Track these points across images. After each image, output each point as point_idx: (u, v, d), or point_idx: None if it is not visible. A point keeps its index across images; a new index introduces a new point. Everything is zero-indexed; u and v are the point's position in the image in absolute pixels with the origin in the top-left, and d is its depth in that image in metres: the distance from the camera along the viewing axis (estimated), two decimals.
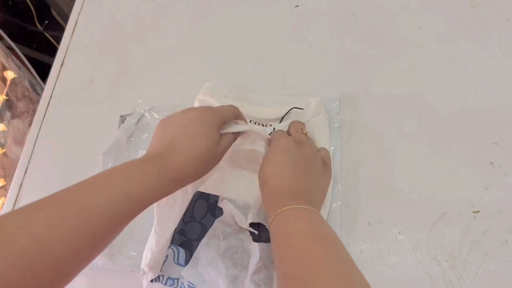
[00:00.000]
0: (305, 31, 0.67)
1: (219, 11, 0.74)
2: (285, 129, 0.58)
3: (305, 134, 0.53)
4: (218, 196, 0.55)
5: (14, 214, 0.35)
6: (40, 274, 0.32)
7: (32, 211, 0.35)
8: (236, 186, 0.56)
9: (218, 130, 0.46)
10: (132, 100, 0.69)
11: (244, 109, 0.61)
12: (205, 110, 0.47)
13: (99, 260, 0.56)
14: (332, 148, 0.56)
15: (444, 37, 0.61)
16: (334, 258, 0.38)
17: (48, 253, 0.33)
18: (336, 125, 0.58)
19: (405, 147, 0.55)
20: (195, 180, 0.46)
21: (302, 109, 0.59)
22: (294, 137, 0.51)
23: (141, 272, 0.53)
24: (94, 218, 0.36)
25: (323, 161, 0.51)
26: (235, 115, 0.50)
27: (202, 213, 0.55)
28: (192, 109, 0.47)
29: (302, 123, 0.55)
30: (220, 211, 0.54)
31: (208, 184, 0.57)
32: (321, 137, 0.56)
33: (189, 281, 0.51)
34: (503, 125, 0.53)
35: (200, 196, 0.56)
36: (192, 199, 0.56)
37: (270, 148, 0.51)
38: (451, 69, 0.58)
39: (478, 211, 0.50)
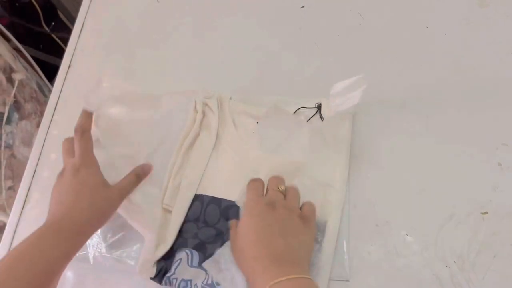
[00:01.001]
0: (311, 32, 0.68)
1: (225, 11, 0.74)
2: None
3: (282, 192, 0.51)
4: (229, 201, 0.56)
5: None
6: None
7: None
8: (241, 188, 0.56)
9: (102, 179, 0.52)
10: None
11: (250, 110, 0.61)
12: (84, 165, 0.51)
13: (107, 261, 0.57)
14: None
15: (451, 37, 0.61)
16: None
17: None
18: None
19: (413, 148, 0.55)
20: (96, 229, 0.52)
21: (311, 108, 0.59)
22: (267, 198, 0.50)
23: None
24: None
25: (302, 217, 0.49)
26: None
27: (216, 219, 0.55)
28: (80, 170, 0.51)
29: (280, 179, 0.53)
30: (231, 215, 0.54)
31: (217, 188, 0.57)
32: (341, 148, 0.56)
33: (202, 282, 0.51)
34: None
35: (211, 201, 0.56)
36: (202, 204, 0.56)
37: (242, 215, 0.51)
38: (458, 70, 0.58)
39: (487, 213, 0.50)
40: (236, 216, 0.54)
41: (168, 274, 0.53)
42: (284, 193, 0.51)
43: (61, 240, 0.47)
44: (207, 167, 0.60)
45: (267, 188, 0.52)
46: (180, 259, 0.53)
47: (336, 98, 0.56)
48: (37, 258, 0.45)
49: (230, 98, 0.63)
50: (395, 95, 0.58)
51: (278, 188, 0.51)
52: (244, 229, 0.49)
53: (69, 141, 0.55)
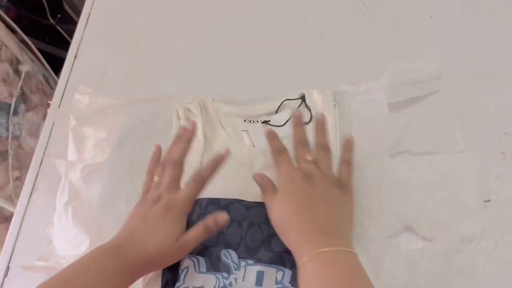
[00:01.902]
0: (316, 22, 0.68)
1: (231, 2, 0.74)
2: (283, 120, 0.59)
3: (312, 161, 0.50)
4: (227, 199, 0.56)
5: None
6: None
7: None
8: (239, 185, 0.57)
9: (181, 225, 0.50)
10: (144, 93, 0.70)
11: (235, 110, 0.62)
12: (167, 206, 0.50)
13: None
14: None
15: (455, 26, 0.61)
16: None
17: None
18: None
19: (412, 132, 0.55)
20: (155, 270, 0.52)
21: (296, 99, 0.60)
22: (302, 171, 0.49)
23: None
24: None
25: (340, 186, 0.49)
26: (197, 192, 0.52)
27: None
28: (157, 203, 0.50)
29: (305, 146, 0.52)
30: (233, 213, 0.55)
31: (213, 189, 0.57)
32: (330, 136, 0.56)
33: (214, 287, 0.51)
34: None
35: (209, 203, 0.56)
36: (201, 208, 0.56)
37: (279, 187, 0.49)
38: (463, 59, 0.58)
39: (489, 200, 0.50)
40: (235, 212, 0.54)
41: (177, 284, 0.52)
42: (315, 162, 0.50)
43: (122, 271, 0.46)
44: None
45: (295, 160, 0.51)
46: (187, 267, 0.53)
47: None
48: (99, 281, 0.45)
49: (213, 101, 0.64)
50: (400, 83, 0.58)
51: (307, 157, 0.50)
52: (284, 202, 0.48)
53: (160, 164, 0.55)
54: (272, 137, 0.53)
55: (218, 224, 0.50)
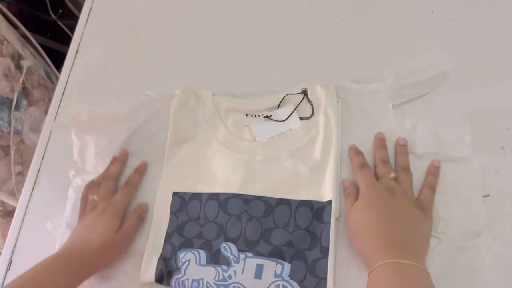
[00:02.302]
0: (317, 17, 0.68)
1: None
2: (285, 115, 0.59)
3: (394, 178, 0.51)
4: (227, 194, 0.56)
5: None
6: None
7: None
8: (239, 180, 0.57)
9: (119, 220, 0.57)
10: (146, 88, 0.70)
11: (235, 105, 0.62)
12: (104, 207, 0.57)
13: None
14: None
15: (457, 22, 0.61)
16: None
17: None
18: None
19: (415, 131, 0.55)
20: (105, 265, 0.57)
21: (298, 93, 0.60)
22: (384, 184, 0.50)
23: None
24: None
25: (420, 206, 0.49)
26: (132, 193, 0.61)
27: (215, 213, 0.56)
28: (96, 207, 0.57)
29: (387, 164, 0.53)
30: (232, 207, 0.55)
31: (214, 185, 0.58)
32: (333, 132, 0.56)
33: (214, 279, 0.52)
34: None
35: (210, 197, 0.57)
36: (201, 202, 0.57)
37: (361, 195, 0.50)
38: (463, 54, 0.58)
39: (488, 195, 0.50)
40: (235, 206, 0.55)
41: (177, 276, 0.53)
42: (396, 179, 0.51)
43: (70, 270, 0.52)
44: (199, 166, 0.61)
45: (377, 175, 0.52)
46: (189, 260, 0.54)
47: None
48: (49, 284, 0.50)
49: (213, 94, 0.64)
50: (403, 85, 0.58)
51: (390, 174, 0.51)
52: (365, 209, 0.49)
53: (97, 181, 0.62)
54: (356, 153, 0.55)
55: (144, 209, 0.60)
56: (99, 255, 0.54)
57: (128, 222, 0.58)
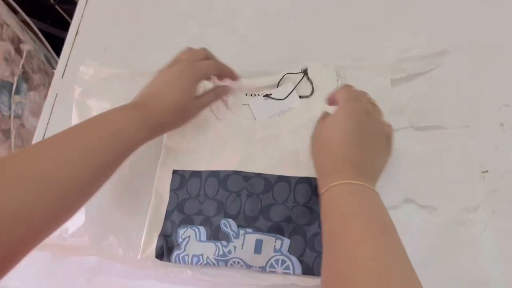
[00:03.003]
0: None
1: None
2: (285, 93, 0.60)
3: (375, 104, 0.50)
4: (226, 171, 0.56)
5: (19, 151, 0.42)
6: (45, 201, 0.38)
7: (34, 148, 0.42)
8: (239, 157, 0.57)
9: (196, 85, 0.54)
10: (147, 67, 0.70)
11: (234, 84, 0.61)
12: (187, 66, 0.54)
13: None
14: None
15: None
16: (384, 242, 0.38)
17: (50, 181, 0.39)
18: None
19: (416, 106, 0.55)
20: (175, 127, 0.55)
21: (298, 73, 0.60)
22: (365, 105, 0.48)
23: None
24: (89, 152, 0.44)
25: (388, 138, 0.48)
26: (217, 70, 0.57)
27: (215, 190, 0.56)
28: (177, 64, 0.54)
29: (368, 94, 0.51)
30: (232, 184, 0.55)
31: (213, 162, 0.58)
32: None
33: (214, 254, 0.52)
34: None
35: (210, 175, 0.57)
36: (201, 180, 0.57)
37: (339, 107, 0.48)
38: (464, 32, 0.58)
39: (487, 171, 0.50)
40: (234, 183, 0.55)
41: (178, 252, 0.54)
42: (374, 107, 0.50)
43: (145, 124, 0.50)
44: (199, 144, 0.60)
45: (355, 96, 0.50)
46: (189, 236, 0.54)
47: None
48: (123, 133, 0.47)
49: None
50: (400, 58, 0.58)
51: (370, 100, 0.50)
52: (337, 123, 0.47)
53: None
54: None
55: (226, 91, 0.60)
56: (173, 112, 0.52)
57: (206, 95, 0.57)
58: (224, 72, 0.59)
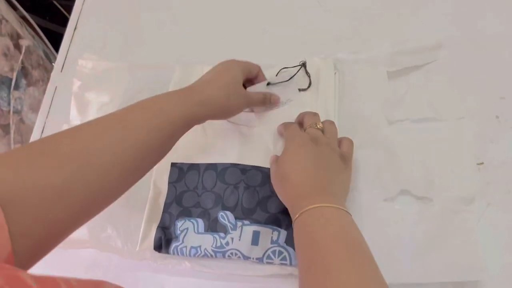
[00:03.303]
0: None
1: None
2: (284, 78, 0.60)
3: (320, 129, 0.52)
4: (224, 164, 0.57)
5: (68, 129, 0.40)
6: (87, 179, 0.37)
7: (82, 127, 0.41)
8: (236, 150, 0.58)
9: (243, 76, 0.54)
10: (145, 62, 0.70)
11: None
12: (233, 60, 0.55)
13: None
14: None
15: None
16: (360, 262, 0.39)
17: (94, 160, 0.38)
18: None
19: (411, 99, 0.55)
20: (222, 109, 0.51)
21: (296, 66, 0.61)
22: (309, 134, 0.50)
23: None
24: (130, 131, 0.42)
25: (342, 157, 0.50)
26: (257, 69, 0.58)
27: (213, 183, 0.56)
28: (227, 61, 0.55)
29: (316, 116, 0.54)
30: (229, 176, 0.56)
31: (211, 155, 0.59)
32: (330, 103, 0.57)
33: (211, 246, 0.53)
34: (511, 80, 0.54)
35: (208, 168, 0.58)
36: (199, 172, 0.58)
37: (285, 145, 0.52)
38: (461, 24, 0.58)
39: (482, 163, 0.51)
40: (232, 176, 0.56)
41: (176, 244, 0.54)
42: (322, 130, 0.52)
43: (188, 100, 0.48)
44: (197, 137, 0.61)
45: (304, 126, 0.53)
46: (187, 228, 0.55)
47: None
48: (164, 110, 0.46)
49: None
50: (398, 51, 0.59)
51: (317, 125, 0.52)
52: (288, 157, 0.49)
53: None
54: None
55: (273, 101, 0.58)
56: (218, 91, 0.50)
57: (255, 94, 0.56)
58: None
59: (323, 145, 0.49)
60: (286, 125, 0.55)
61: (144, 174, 0.46)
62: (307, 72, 0.60)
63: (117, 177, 0.41)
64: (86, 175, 0.37)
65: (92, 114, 0.65)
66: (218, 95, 0.50)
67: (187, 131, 0.49)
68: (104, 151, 0.39)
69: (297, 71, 0.60)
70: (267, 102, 0.58)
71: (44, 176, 0.34)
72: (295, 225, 0.44)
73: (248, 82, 0.58)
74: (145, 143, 0.43)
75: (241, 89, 0.53)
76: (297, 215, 0.44)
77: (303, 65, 0.61)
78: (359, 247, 0.40)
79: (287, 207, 0.49)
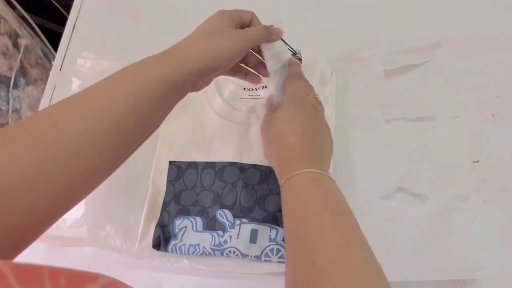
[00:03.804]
0: None
1: None
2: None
3: (320, 101, 0.51)
4: (223, 162, 0.57)
5: (39, 111, 0.37)
6: (56, 158, 0.33)
7: (52, 106, 0.36)
8: (234, 149, 0.58)
9: (230, 22, 0.46)
10: None
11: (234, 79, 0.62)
12: (219, 10, 0.47)
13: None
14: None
15: None
16: (349, 228, 0.39)
17: (63, 136, 0.34)
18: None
19: (408, 98, 0.56)
20: (208, 59, 0.42)
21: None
22: (312, 100, 0.49)
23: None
24: (105, 103, 0.37)
25: (328, 129, 0.50)
26: (250, 14, 0.50)
27: (211, 182, 0.57)
28: (215, 14, 0.47)
29: (313, 89, 0.52)
30: (228, 175, 0.56)
31: (209, 153, 0.59)
32: (328, 103, 0.57)
33: (210, 244, 0.53)
34: (507, 79, 0.54)
35: (206, 166, 0.58)
36: (197, 171, 0.58)
37: (287, 101, 0.49)
38: (457, 23, 0.59)
39: (478, 161, 0.51)
40: (230, 174, 0.56)
41: (174, 242, 0.55)
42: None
43: (164, 59, 0.41)
44: (195, 135, 0.61)
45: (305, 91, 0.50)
46: (185, 226, 0.55)
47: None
48: (138, 74, 0.39)
49: None
50: (395, 50, 0.59)
51: (318, 97, 0.51)
52: (288, 116, 0.48)
53: None
54: (295, 64, 0.53)
55: (277, 33, 0.50)
56: (197, 43, 0.43)
57: (254, 28, 0.48)
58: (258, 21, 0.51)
59: (320, 115, 0.49)
60: (293, 79, 0.51)
61: (129, 152, 0.41)
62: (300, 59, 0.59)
63: (92, 156, 0.36)
64: (57, 157, 0.33)
65: None
66: (200, 44, 0.42)
67: (175, 98, 0.43)
68: (75, 130, 0.34)
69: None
70: (272, 33, 0.49)
71: (9, 160, 0.31)
72: (284, 186, 0.44)
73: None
74: (122, 112, 0.37)
75: (231, 30, 0.44)
76: (288, 176, 0.43)
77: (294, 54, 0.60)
78: (348, 215, 0.40)
79: (273, 165, 0.49)
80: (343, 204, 0.41)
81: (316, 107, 0.49)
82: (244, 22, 0.49)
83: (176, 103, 0.44)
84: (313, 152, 0.45)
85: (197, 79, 0.43)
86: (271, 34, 0.49)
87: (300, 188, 0.42)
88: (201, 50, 0.42)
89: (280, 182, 0.45)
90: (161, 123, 0.44)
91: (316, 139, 0.46)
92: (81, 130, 0.35)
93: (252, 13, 0.50)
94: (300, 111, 0.47)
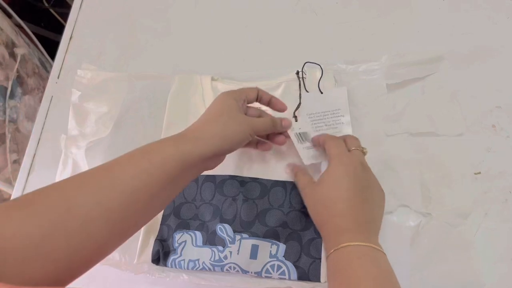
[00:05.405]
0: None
1: None
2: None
3: (365, 154, 0.49)
4: (223, 176, 0.57)
5: (54, 183, 0.37)
6: (67, 230, 0.33)
7: (67, 179, 0.37)
8: (234, 162, 0.58)
9: (236, 103, 0.47)
10: (141, 71, 0.70)
11: (232, 87, 0.61)
12: (226, 92, 0.49)
13: None
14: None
15: (450, 2, 0.61)
16: None
17: (75, 209, 0.34)
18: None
19: (410, 113, 0.55)
20: (218, 141, 0.44)
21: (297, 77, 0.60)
22: (357, 157, 0.47)
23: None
24: (119, 179, 0.37)
25: (379, 186, 0.47)
26: (255, 91, 0.51)
27: (211, 195, 0.56)
28: (218, 95, 0.48)
29: (358, 140, 0.50)
30: (228, 188, 0.56)
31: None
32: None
33: (209, 259, 0.53)
34: (507, 89, 0.54)
35: (206, 179, 0.57)
36: (197, 184, 0.58)
37: (330, 164, 0.47)
38: (456, 34, 0.58)
39: (479, 172, 0.51)
40: (230, 188, 0.55)
41: (174, 257, 0.54)
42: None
43: (177, 140, 0.42)
44: None
45: (348, 147, 0.49)
46: (185, 241, 0.55)
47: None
48: (151, 153, 0.40)
49: (214, 79, 0.64)
50: (394, 63, 0.58)
51: (362, 149, 0.49)
52: (334, 180, 0.46)
53: None
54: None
55: (285, 126, 0.52)
56: (208, 125, 0.45)
57: (261, 119, 0.49)
58: (268, 97, 0.52)
59: (369, 171, 0.47)
60: (330, 139, 0.50)
61: (137, 227, 0.41)
62: (304, 86, 0.59)
63: (102, 228, 0.36)
64: (66, 226, 0.33)
65: (90, 124, 0.65)
66: (212, 127, 0.44)
67: (187, 176, 0.43)
68: (87, 201, 0.35)
69: (301, 83, 0.59)
70: (278, 126, 0.51)
71: (23, 226, 0.32)
72: (331, 257, 0.43)
73: (251, 109, 0.52)
74: (134, 187, 0.38)
75: (240, 115, 0.47)
76: (336, 248, 0.42)
77: (303, 78, 0.60)
78: None
79: (321, 232, 0.48)
80: (394, 283, 0.40)
81: (363, 163, 0.47)
82: (250, 100, 0.51)
83: (189, 181, 0.45)
84: (363, 221, 0.44)
85: (210, 158, 0.44)
86: (277, 127, 0.51)
87: (348, 263, 0.41)
88: (213, 133, 0.44)
89: (327, 252, 0.44)
90: (171, 200, 0.44)
91: (366, 206, 0.44)
92: (93, 202, 0.35)
93: (257, 90, 0.51)
94: (346, 175, 0.45)
